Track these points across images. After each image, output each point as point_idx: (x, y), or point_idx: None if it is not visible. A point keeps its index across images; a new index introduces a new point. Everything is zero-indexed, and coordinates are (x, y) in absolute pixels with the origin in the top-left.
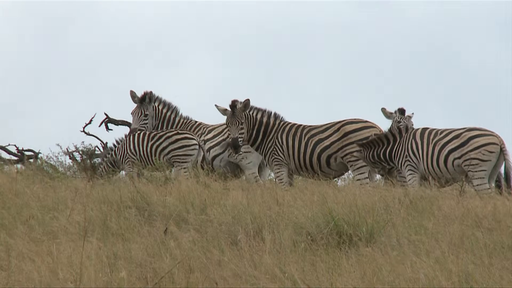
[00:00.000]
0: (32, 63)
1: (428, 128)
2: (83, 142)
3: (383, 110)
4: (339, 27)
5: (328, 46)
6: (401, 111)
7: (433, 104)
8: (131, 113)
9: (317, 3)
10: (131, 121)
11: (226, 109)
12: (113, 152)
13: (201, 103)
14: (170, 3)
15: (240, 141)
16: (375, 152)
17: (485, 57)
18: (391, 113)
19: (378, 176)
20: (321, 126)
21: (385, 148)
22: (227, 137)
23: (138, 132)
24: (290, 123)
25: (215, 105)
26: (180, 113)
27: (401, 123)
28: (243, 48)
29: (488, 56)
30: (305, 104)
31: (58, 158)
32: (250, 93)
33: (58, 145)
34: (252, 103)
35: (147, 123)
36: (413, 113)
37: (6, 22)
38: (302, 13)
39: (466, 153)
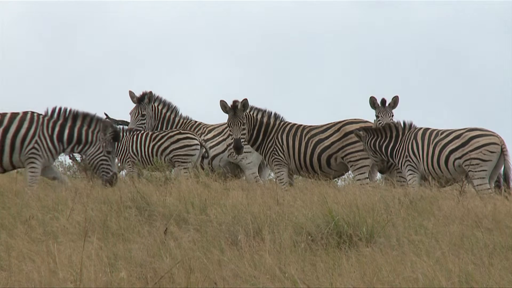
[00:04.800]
0: (37, 64)
1: (429, 128)
2: None
3: (373, 99)
4: (346, 29)
5: (335, 48)
6: (382, 102)
7: (440, 105)
8: (129, 113)
9: (324, 5)
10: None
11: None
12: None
13: (208, 104)
14: (178, 4)
15: (242, 141)
16: (377, 142)
17: (492, 59)
18: (377, 105)
19: (378, 176)
20: (321, 126)
21: (387, 142)
22: (227, 137)
23: (141, 132)
24: (290, 123)
25: (221, 100)
26: (179, 113)
27: (379, 120)
28: (249, 49)
29: (495, 58)
30: (312, 105)
31: (58, 158)
32: (256, 94)
33: None
34: (258, 105)
35: (144, 123)
36: (395, 97)
37: (16, 27)
38: (309, 15)
39: (467, 153)
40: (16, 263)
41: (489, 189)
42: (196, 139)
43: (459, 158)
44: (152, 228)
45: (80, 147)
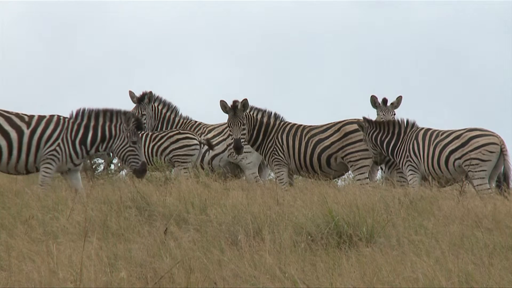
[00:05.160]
0: (37, 64)
1: (430, 129)
2: None
3: (373, 98)
4: (346, 29)
5: (335, 48)
6: (383, 101)
7: (440, 105)
8: None
9: (324, 5)
10: None
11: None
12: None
13: (208, 104)
14: (178, 4)
15: (242, 141)
16: (378, 136)
17: (492, 59)
18: (378, 104)
19: (378, 176)
20: (321, 126)
21: (389, 139)
22: (227, 137)
23: (141, 133)
24: (290, 123)
25: (221, 100)
26: (179, 113)
27: (382, 118)
28: (249, 49)
29: (495, 58)
30: (312, 105)
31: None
32: (256, 94)
33: None
34: (258, 105)
35: (144, 123)
36: (399, 97)
37: (16, 27)
38: (309, 15)
39: (467, 153)
40: (16, 263)
41: (489, 189)
42: (196, 139)
43: (459, 158)
44: (152, 228)
45: (105, 145)
